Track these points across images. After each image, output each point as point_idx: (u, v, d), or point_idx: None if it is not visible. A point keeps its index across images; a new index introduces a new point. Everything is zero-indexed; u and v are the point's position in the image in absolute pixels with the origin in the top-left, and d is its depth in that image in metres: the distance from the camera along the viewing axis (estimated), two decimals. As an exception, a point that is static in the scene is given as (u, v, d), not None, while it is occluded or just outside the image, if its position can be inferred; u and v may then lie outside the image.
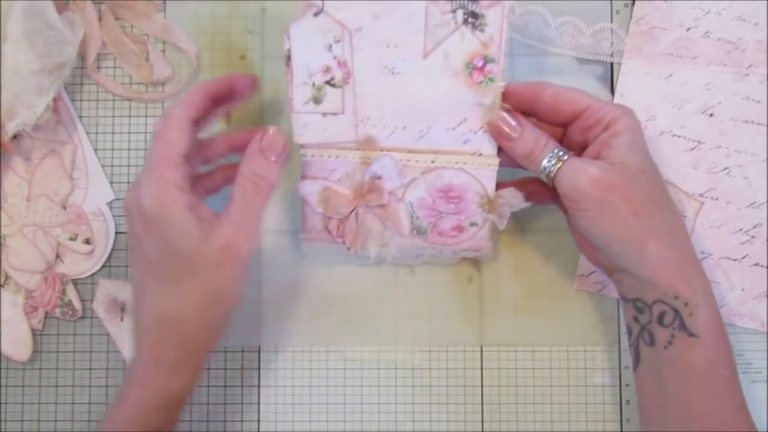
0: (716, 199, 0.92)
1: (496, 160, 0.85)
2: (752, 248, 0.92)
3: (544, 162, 0.81)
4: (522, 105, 0.84)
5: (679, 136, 0.93)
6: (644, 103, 0.93)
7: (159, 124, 0.79)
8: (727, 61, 0.92)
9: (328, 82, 0.84)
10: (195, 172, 0.85)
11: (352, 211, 0.87)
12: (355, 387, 0.94)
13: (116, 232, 0.94)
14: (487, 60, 0.82)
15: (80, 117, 0.95)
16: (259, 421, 0.94)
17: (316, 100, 0.84)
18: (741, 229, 0.92)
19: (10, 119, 0.88)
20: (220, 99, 0.85)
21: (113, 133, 0.95)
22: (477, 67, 0.82)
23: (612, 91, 0.94)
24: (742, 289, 0.92)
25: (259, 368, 0.94)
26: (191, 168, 0.81)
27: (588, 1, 0.94)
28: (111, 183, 0.95)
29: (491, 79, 0.83)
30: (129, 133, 0.95)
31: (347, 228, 0.88)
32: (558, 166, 0.81)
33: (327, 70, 0.83)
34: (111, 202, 0.95)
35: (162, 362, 0.79)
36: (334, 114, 0.84)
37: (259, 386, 0.94)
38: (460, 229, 0.88)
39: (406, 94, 0.84)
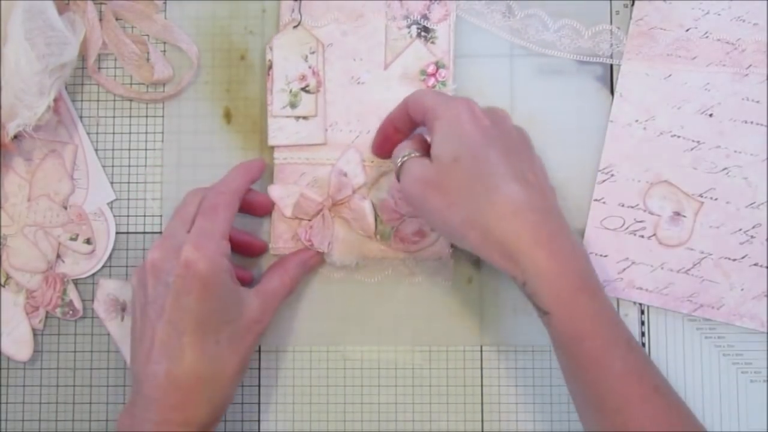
0: (716, 199, 0.92)
1: None
2: (751, 248, 0.92)
3: (396, 161, 0.85)
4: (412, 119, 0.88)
5: (679, 137, 0.93)
6: (644, 103, 0.93)
7: (216, 197, 0.85)
8: (727, 61, 0.93)
9: (304, 89, 0.94)
10: None
11: (319, 212, 0.91)
12: (355, 387, 0.94)
13: (117, 233, 0.94)
14: (438, 66, 0.94)
15: (81, 117, 0.95)
16: (259, 421, 0.94)
17: (293, 105, 0.94)
18: (740, 229, 0.92)
19: (11, 119, 0.88)
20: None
21: (114, 133, 0.95)
22: (430, 73, 0.94)
23: (612, 92, 0.94)
24: (742, 289, 0.92)
25: (259, 368, 0.94)
26: None
27: (587, 1, 0.95)
28: (111, 183, 0.95)
29: (443, 83, 0.94)
30: (129, 133, 0.96)
31: (314, 229, 0.91)
32: (399, 165, 0.84)
33: (303, 78, 0.94)
34: (111, 202, 0.95)
35: (193, 422, 0.80)
36: (306, 118, 0.94)
37: (259, 386, 0.94)
38: (421, 234, 0.92)
39: (369, 101, 0.94)
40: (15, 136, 0.89)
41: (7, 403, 0.94)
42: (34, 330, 0.93)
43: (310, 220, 0.92)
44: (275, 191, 0.93)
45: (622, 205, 0.93)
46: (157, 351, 0.80)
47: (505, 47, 0.95)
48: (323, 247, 0.91)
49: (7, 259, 0.93)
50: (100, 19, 0.94)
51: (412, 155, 0.83)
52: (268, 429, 0.93)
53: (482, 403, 0.93)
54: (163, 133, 0.95)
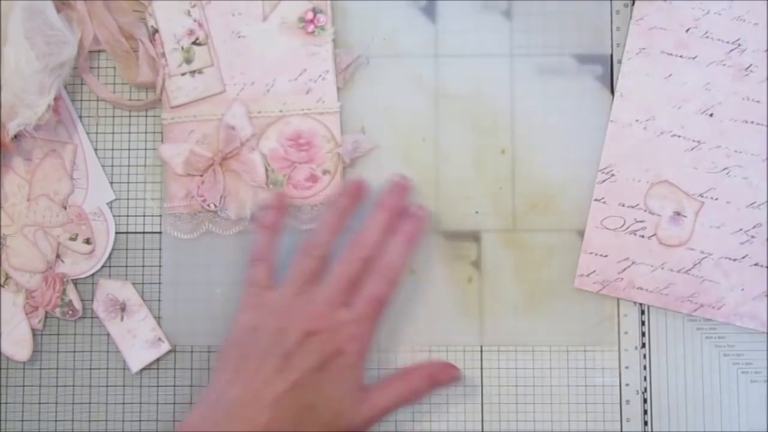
0: (716, 199, 0.92)
1: (338, 104, 0.95)
2: (752, 248, 0.92)
3: None
4: None
5: (679, 136, 0.93)
6: (644, 103, 0.93)
7: (387, 286, 0.88)
8: (727, 61, 0.93)
9: (194, 43, 0.95)
10: None
11: (210, 167, 0.93)
12: (356, 387, 0.94)
13: (116, 232, 0.94)
14: (316, 11, 0.95)
15: (80, 117, 0.95)
16: (259, 421, 0.93)
17: (188, 60, 0.95)
18: (741, 229, 0.92)
19: (12, 119, 0.88)
20: None
21: (113, 133, 0.95)
22: (308, 20, 0.95)
23: (612, 92, 0.94)
24: (742, 289, 0.92)
25: (259, 368, 0.94)
26: None
27: (587, 1, 0.95)
28: (111, 183, 0.95)
29: (322, 28, 0.95)
30: (129, 133, 0.95)
31: (206, 184, 0.92)
32: None
33: (191, 32, 0.95)
34: (111, 202, 0.95)
35: None
36: (201, 72, 0.95)
37: (259, 386, 0.94)
38: (314, 179, 0.93)
39: (251, 53, 0.96)
40: (15, 136, 0.89)
41: (6, 403, 0.94)
42: (33, 330, 0.93)
43: (201, 176, 0.93)
44: (165, 151, 0.93)
45: (623, 205, 0.93)
46: (249, 393, 0.82)
47: (505, 47, 0.94)
48: (215, 200, 0.92)
49: (7, 259, 0.93)
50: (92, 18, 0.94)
51: None
52: (268, 429, 0.93)
53: (482, 403, 0.93)
54: (162, 132, 0.95)
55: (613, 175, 0.93)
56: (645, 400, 0.92)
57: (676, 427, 0.92)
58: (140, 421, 0.94)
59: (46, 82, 0.88)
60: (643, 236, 0.92)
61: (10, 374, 0.94)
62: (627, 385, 0.92)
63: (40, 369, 0.94)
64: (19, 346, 0.93)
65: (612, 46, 0.94)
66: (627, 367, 0.92)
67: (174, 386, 0.94)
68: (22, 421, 0.94)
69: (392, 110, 0.95)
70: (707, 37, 0.93)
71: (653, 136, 0.93)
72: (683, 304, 0.92)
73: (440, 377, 0.90)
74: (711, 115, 0.92)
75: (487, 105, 0.94)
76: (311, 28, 0.95)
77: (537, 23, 0.94)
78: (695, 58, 0.93)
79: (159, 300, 0.94)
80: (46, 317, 0.94)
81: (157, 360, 0.93)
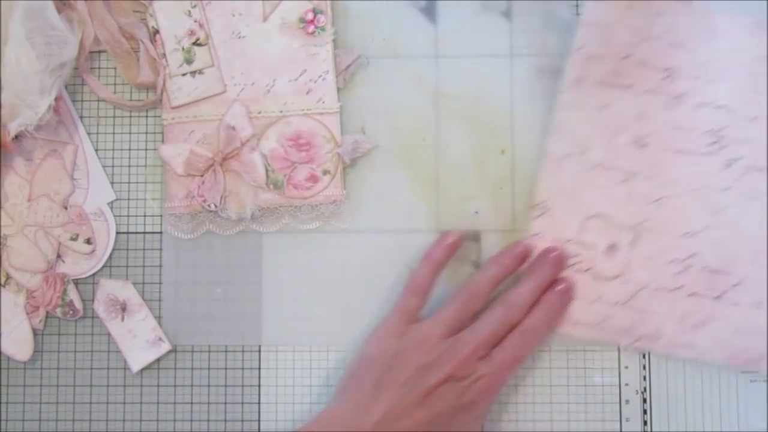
0: (650, 230, 0.93)
1: (338, 104, 0.95)
2: (687, 278, 0.93)
3: None
4: None
5: (613, 168, 0.94)
6: (579, 135, 0.94)
7: (521, 351, 0.89)
8: (659, 89, 0.94)
9: (195, 43, 0.96)
10: None
11: (210, 167, 0.93)
12: (354, 389, 0.94)
13: (117, 232, 0.95)
14: (316, 12, 0.96)
15: (81, 117, 0.95)
16: (259, 421, 0.93)
17: (188, 61, 0.96)
18: (676, 260, 0.93)
19: (13, 119, 0.88)
20: None
21: (114, 133, 0.96)
22: (308, 20, 0.96)
23: (606, 94, 0.95)
24: (680, 320, 0.93)
25: (259, 368, 0.94)
26: None
27: (587, 1, 0.95)
28: (111, 183, 0.95)
29: (322, 29, 0.96)
30: (130, 133, 0.96)
31: (206, 185, 0.93)
32: None
33: (191, 33, 0.96)
34: (111, 202, 0.95)
35: None
36: (202, 72, 0.96)
37: (259, 386, 0.94)
38: (314, 179, 0.94)
39: (251, 53, 0.96)
40: (15, 136, 0.89)
41: (7, 403, 0.94)
42: (34, 330, 0.93)
43: (202, 176, 0.93)
44: (166, 151, 0.94)
45: (558, 240, 0.94)
46: (389, 420, 0.84)
47: (505, 47, 0.96)
48: (215, 200, 0.93)
49: (8, 259, 0.92)
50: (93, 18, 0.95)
51: None
52: (268, 429, 0.93)
53: (481, 402, 0.93)
54: (163, 132, 0.95)
55: (549, 209, 0.94)
56: (644, 400, 0.93)
57: (675, 427, 0.92)
58: (141, 420, 0.94)
59: (46, 82, 0.88)
60: (578, 270, 0.93)
61: (11, 374, 0.94)
62: (626, 384, 0.93)
63: (41, 369, 0.94)
64: (19, 346, 0.92)
65: (611, 47, 0.95)
66: (626, 367, 0.93)
67: (174, 386, 0.94)
68: (23, 420, 0.94)
69: (392, 110, 0.95)
70: (643, 64, 0.94)
71: (587, 169, 0.94)
72: (622, 337, 0.93)
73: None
74: (643, 145, 0.93)
75: (487, 105, 0.95)
76: (311, 28, 0.95)
77: (537, 23, 0.96)
78: (630, 86, 0.94)
79: (159, 300, 0.94)
80: (46, 317, 0.94)
81: (158, 360, 0.93)
